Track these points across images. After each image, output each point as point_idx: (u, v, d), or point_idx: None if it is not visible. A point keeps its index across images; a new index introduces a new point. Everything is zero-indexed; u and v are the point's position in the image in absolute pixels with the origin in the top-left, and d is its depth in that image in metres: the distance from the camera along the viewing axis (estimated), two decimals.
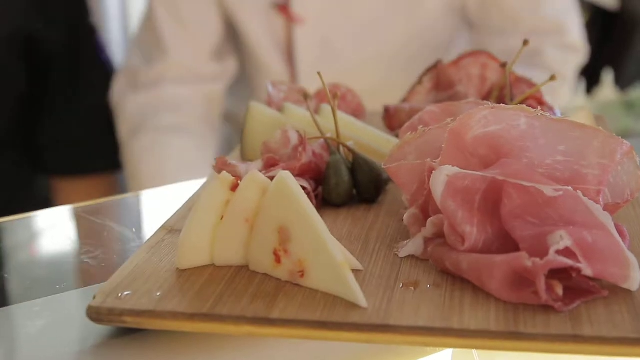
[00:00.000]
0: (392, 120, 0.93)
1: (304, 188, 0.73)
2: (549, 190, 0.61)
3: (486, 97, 0.95)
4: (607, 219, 0.60)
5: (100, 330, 0.62)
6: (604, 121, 1.00)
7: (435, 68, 0.96)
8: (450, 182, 0.63)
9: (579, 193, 0.61)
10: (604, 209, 0.66)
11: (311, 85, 1.52)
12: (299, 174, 0.75)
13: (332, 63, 1.52)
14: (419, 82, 0.98)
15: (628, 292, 0.59)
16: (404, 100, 0.98)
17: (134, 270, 0.64)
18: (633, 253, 0.62)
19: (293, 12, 1.49)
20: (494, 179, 0.62)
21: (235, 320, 0.57)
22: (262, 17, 1.51)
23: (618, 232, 0.64)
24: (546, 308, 0.57)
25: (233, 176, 0.72)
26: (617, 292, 0.59)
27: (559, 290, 0.57)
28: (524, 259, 0.57)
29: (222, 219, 0.63)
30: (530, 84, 0.95)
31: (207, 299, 0.59)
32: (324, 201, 0.77)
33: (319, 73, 0.76)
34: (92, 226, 0.83)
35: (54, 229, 0.83)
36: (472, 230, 0.61)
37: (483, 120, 0.66)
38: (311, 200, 0.73)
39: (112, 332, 0.62)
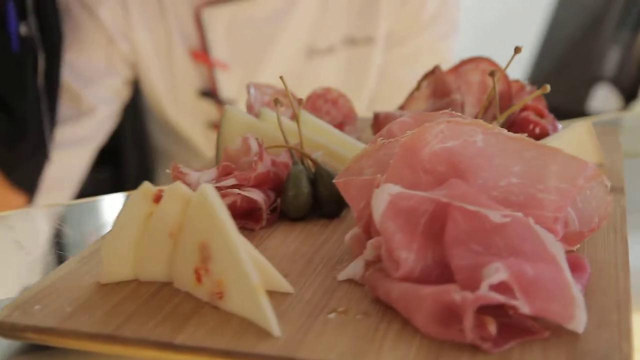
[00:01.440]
0: (381, 127, 0.88)
1: (255, 201, 0.69)
2: (495, 215, 0.55)
3: (488, 106, 0.88)
4: (558, 250, 0.54)
5: (12, 344, 0.58)
6: (615, 136, 0.93)
7: (432, 73, 0.90)
8: (393, 201, 0.58)
9: (530, 220, 0.55)
10: (566, 238, 0.60)
11: None
12: (256, 184, 0.70)
13: None
14: (417, 87, 0.92)
15: (574, 335, 0.52)
16: (401, 107, 0.93)
17: (55, 282, 0.60)
18: (596, 285, 0.56)
19: (223, 97, 1.43)
20: (440, 200, 0.57)
21: (137, 343, 0.53)
22: (190, 106, 1.45)
23: (577, 265, 0.58)
24: (476, 348, 0.51)
25: (186, 184, 0.68)
26: (561, 334, 0.52)
27: (492, 329, 0.52)
28: (452, 293, 0.52)
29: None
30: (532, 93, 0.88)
31: (116, 318, 0.55)
32: (284, 214, 0.72)
33: (281, 77, 0.71)
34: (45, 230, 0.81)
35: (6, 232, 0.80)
36: (409, 256, 0.56)
37: (440, 135, 0.61)
38: (261, 214, 0.68)
39: (25, 347, 0.59)
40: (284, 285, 0.58)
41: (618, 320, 0.54)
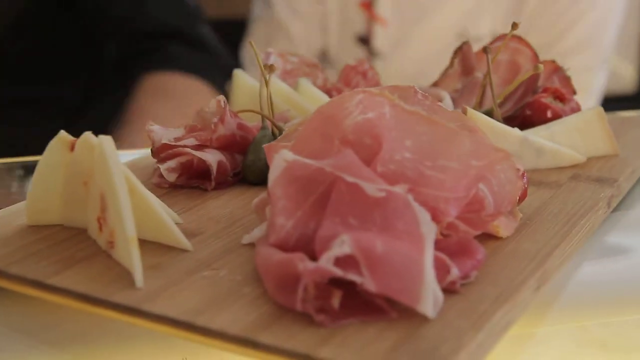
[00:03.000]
0: None
1: (205, 162, 0.69)
2: (371, 188, 0.53)
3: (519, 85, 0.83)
4: (428, 231, 0.51)
5: None
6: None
7: (460, 50, 0.87)
8: (289, 168, 0.57)
9: (409, 197, 0.53)
10: (471, 222, 0.56)
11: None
12: (219, 146, 0.71)
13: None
14: (451, 64, 0.89)
15: (425, 321, 0.49)
16: (435, 84, 0.90)
17: None
18: (494, 275, 0.53)
19: (375, 48, 1.59)
20: (325, 169, 0.55)
21: (18, 280, 0.56)
22: (346, 47, 1.61)
23: (465, 249, 0.55)
24: (313, 320, 0.50)
25: (152, 140, 0.71)
26: (412, 317, 0.50)
27: (335, 302, 0.50)
28: (296, 261, 0.50)
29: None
30: (564, 77, 0.83)
31: (15, 256, 0.59)
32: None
33: (250, 42, 0.72)
34: None
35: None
36: (285, 224, 0.55)
37: (360, 105, 0.59)
38: (210, 175, 0.69)
39: None
40: (183, 242, 0.59)
41: (483, 311, 0.50)
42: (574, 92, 0.81)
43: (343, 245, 0.50)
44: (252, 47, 0.71)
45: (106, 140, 0.58)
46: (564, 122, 0.75)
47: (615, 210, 0.71)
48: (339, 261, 0.50)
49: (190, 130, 0.72)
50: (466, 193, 0.55)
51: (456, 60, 0.88)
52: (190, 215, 0.66)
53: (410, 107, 0.56)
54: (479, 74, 0.84)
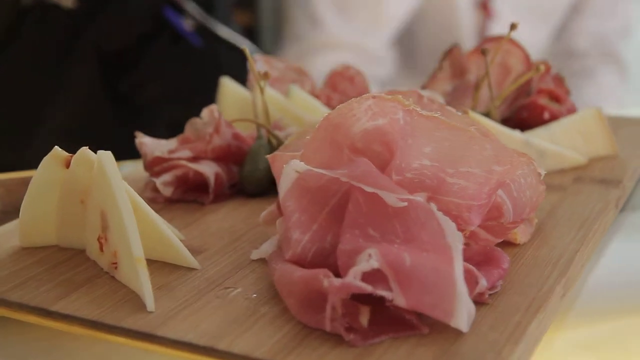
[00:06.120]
0: None
1: (201, 175, 0.67)
2: (391, 198, 0.51)
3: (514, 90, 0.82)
4: (455, 241, 0.49)
5: None
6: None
7: (450, 53, 0.85)
8: (301, 179, 0.54)
9: (433, 206, 0.50)
10: (492, 230, 0.55)
11: None
12: (215, 157, 0.68)
13: None
14: (440, 67, 0.87)
15: (458, 334, 0.47)
16: (424, 86, 0.88)
17: None
18: (519, 283, 0.52)
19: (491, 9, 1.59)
20: (341, 180, 0.53)
21: (19, 307, 0.53)
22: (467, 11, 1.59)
23: (490, 259, 0.53)
24: (340, 339, 0.47)
25: (142, 152, 0.68)
26: (445, 332, 0.47)
27: (363, 320, 0.48)
28: (321, 278, 0.48)
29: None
30: (558, 77, 0.82)
31: (13, 281, 0.55)
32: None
33: (244, 48, 0.69)
34: None
35: None
36: (302, 238, 0.52)
37: (369, 112, 0.57)
38: (207, 188, 0.67)
39: None
40: (190, 261, 0.57)
41: (517, 323, 0.49)
42: (568, 93, 0.80)
43: (371, 260, 0.47)
44: (247, 55, 0.69)
45: (105, 155, 0.55)
46: (564, 123, 0.74)
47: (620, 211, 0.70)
48: (366, 276, 0.48)
49: (183, 141, 0.69)
50: (488, 200, 0.53)
51: (445, 64, 0.86)
52: (190, 231, 0.63)
53: (427, 112, 0.53)
54: (471, 77, 0.83)
